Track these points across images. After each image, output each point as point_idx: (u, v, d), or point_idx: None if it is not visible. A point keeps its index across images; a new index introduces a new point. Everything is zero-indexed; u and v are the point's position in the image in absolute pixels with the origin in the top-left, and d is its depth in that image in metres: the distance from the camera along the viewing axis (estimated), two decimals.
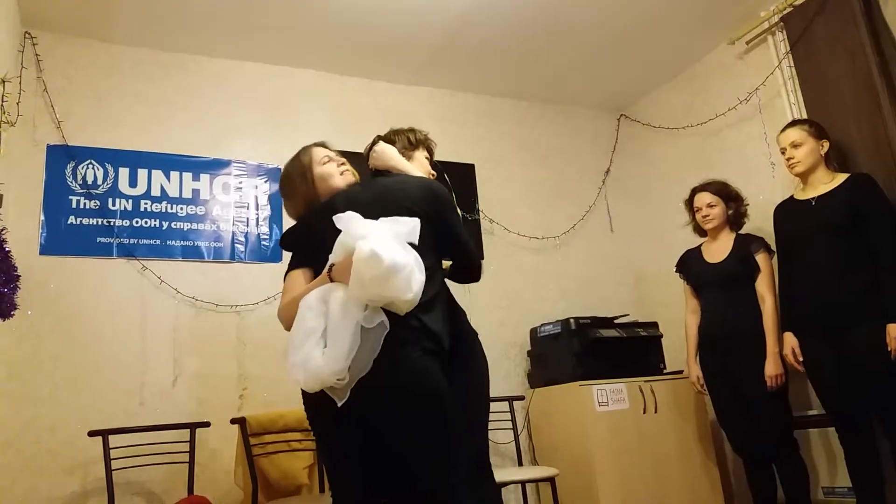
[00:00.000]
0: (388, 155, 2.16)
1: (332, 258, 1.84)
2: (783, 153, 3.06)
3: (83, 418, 3.02)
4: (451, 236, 2.01)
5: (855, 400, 2.78)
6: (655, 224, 4.47)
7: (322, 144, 2.18)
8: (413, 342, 1.75)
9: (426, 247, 1.85)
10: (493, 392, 3.58)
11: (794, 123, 3.09)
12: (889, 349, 2.62)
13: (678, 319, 3.60)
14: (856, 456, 2.81)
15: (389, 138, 2.29)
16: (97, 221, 3.31)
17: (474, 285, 4.00)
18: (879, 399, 2.70)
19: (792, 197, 3.10)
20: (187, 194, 3.53)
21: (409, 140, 2.30)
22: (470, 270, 2.15)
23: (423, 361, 1.75)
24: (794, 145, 2.99)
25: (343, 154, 2.26)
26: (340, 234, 1.82)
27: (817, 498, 3.14)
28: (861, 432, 2.79)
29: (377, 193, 2.00)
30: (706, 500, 3.43)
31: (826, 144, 2.99)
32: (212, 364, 3.32)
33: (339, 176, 2.09)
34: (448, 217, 2.00)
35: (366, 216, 1.84)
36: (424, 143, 2.34)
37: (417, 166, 2.26)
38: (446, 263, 2.16)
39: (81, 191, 3.31)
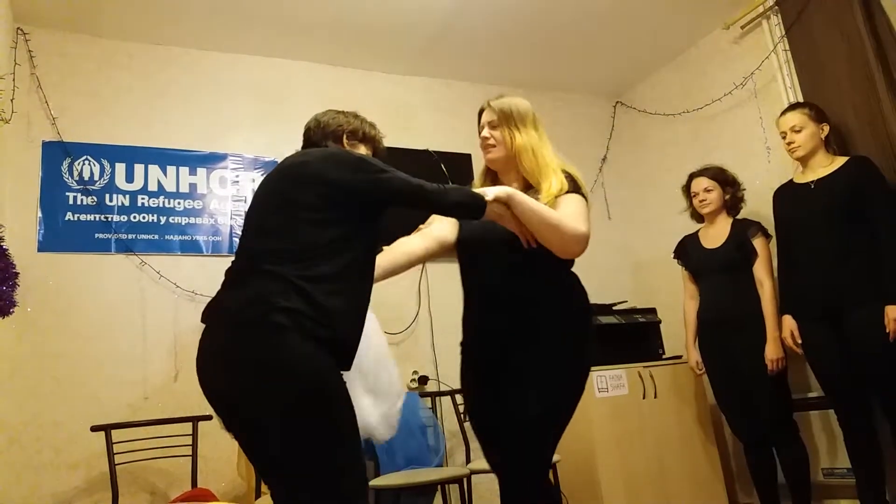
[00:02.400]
0: None
1: None
2: (783, 137, 3.05)
3: (85, 414, 3.03)
4: (369, 193, 1.78)
5: (854, 382, 2.79)
6: (653, 210, 4.47)
7: None
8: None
9: (328, 218, 1.72)
10: None
11: (793, 107, 3.08)
12: (888, 331, 2.63)
13: (676, 305, 3.61)
14: (855, 437, 2.82)
15: (346, 115, 2.15)
16: (95, 217, 3.31)
17: None
18: (878, 381, 2.71)
19: (791, 180, 3.10)
20: (184, 189, 3.53)
21: (363, 131, 2.13)
22: (438, 211, 1.92)
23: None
24: (795, 129, 2.98)
25: None
26: None
27: (817, 479, 3.16)
28: (860, 414, 2.81)
29: (282, 167, 1.93)
30: (707, 483, 3.45)
31: (826, 128, 2.98)
32: None
33: None
34: (352, 177, 1.77)
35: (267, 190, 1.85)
36: (374, 143, 2.14)
37: None
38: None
39: (78, 187, 3.31)
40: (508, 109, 2.11)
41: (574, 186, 2.03)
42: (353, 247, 1.75)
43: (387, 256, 2.07)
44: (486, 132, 2.12)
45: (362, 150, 2.10)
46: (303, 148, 2.10)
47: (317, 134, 2.12)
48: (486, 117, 2.15)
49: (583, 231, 1.89)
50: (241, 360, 1.59)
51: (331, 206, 1.74)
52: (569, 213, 1.91)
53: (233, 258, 1.81)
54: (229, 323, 1.65)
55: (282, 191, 1.82)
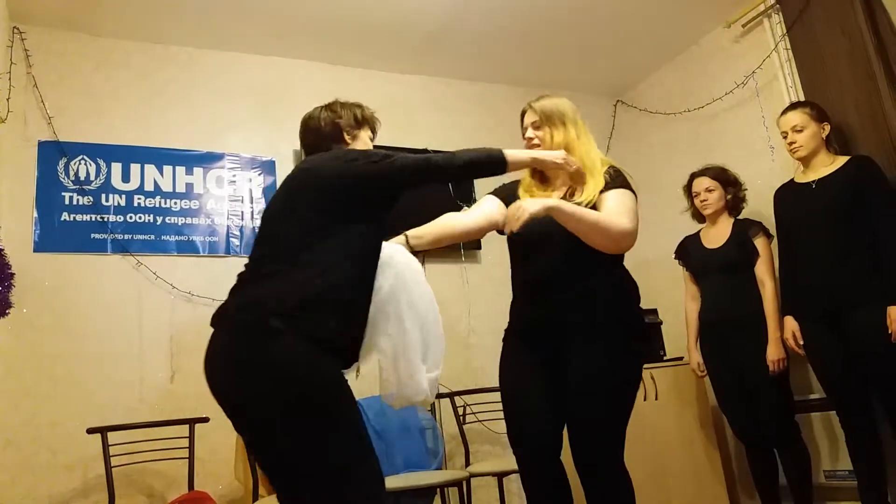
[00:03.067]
0: None
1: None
2: (784, 137, 3.03)
3: (82, 415, 3.01)
4: (379, 180, 1.79)
5: (855, 383, 2.78)
6: (653, 210, 4.44)
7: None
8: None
9: (330, 217, 1.74)
10: (494, 382, 3.59)
11: (794, 106, 3.06)
12: (889, 331, 2.61)
13: (678, 306, 3.59)
14: (856, 439, 2.80)
15: (334, 110, 2.11)
16: (91, 217, 3.29)
17: (474, 278, 4.02)
18: (880, 382, 2.70)
19: (792, 180, 3.08)
20: (181, 188, 3.51)
21: (355, 117, 2.11)
22: (452, 175, 1.99)
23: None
24: (796, 129, 2.96)
25: None
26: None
27: (819, 482, 3.14)
28: (862, 415, 2.79)
29: (288, 178, 1.93)
30: (708, 485, 3.43)
31: (827, 127, 2.96)
32: None
33: None
34: (350, 166, 1.80)
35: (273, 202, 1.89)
36: (370, 122, 2.16)
37: (360, 146, 2.11)
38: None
39: (74, 187, 3.28)
40: (550, 109, 2.16)
41: (620, 181, 2.07)
42: (356, 245, 1.76)
43: (438, 225, 2.10)
44: (529, 132, 2.16)
45: (364, 135, 2.11)
46: (305, 156, 2.07)
47: (316, 140, 2.08)
48: (528, 118, 2.20)
49: (626, 226, 1.95)
50: (240, 363, 1.63)
51: (335, 205, 1.75)
52: (612, 211, 1.96)
53: (231, 259, 1.84)
54: (229, 327, 1.69)
55: (286, 198, 1.85)
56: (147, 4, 3.32)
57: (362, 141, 2.12)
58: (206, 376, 1.73)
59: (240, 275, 1.80)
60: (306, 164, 1.91)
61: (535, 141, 2.14)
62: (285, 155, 3.79)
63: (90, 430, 2.77)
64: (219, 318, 1.74)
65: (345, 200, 1.76)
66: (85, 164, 3.33)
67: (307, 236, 1.71)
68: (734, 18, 3.80)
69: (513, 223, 1.84)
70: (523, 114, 2.23)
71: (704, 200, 3.32)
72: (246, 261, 1.83)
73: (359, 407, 1.71)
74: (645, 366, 3.46)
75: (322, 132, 2.06)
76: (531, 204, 1.87)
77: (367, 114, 2.16)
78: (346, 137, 2.07)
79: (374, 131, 2.18)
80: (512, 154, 1.94)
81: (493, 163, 1.90)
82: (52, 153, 3.28)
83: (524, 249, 2.11)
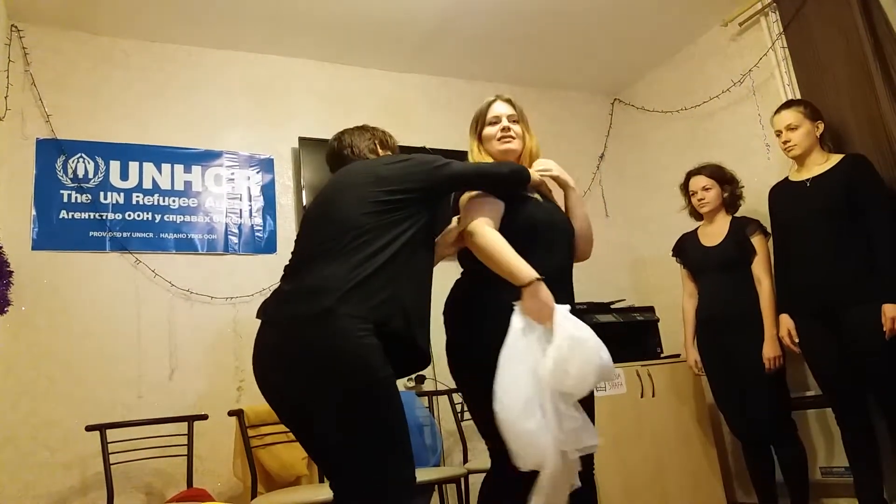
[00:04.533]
0: None
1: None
2: (778, 136, 3.04)
3: (80, 413, 3.01)
4: (432, 183, 1.90)
5: (851, 380, 2.79)
6: (651, 208, 4.46)
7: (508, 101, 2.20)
8: None
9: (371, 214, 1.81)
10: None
11: (788, 105, 3.07)
12: (884, 329, 2.62)
13: (675, 304, 3.60)
14: (852, 436, 2.82)
15: (363, 139, 2.17)
16: (89, 215, 3.29)
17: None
18: (875, 379, 2.71)
19: (787, 178, 3.09)
20: (179, 186, 3.51)
21: (382, 141, 2.19)
22: (505, 188, 2.01)
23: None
24: (790, 128, 2.97)
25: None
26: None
27: (815, 478, 3.15)
28: (857, 412, 2.80)
29: (333, 182, 2.01)
30: (705, 482, 3.45)
31: (821, 126, 2.97)
32: (208, 357, 3.31)
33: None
34: (409, 169, 1.90)
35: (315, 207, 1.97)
36: (394, 149, 2.22)
37: None
38: None
39: (72, 185, 3.28)
40: (521, 109, 2.22)
41: None
42: (413, 239, 1.83)
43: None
44: (506, 123, 2.16)
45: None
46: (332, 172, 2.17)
47: (350, 158, 2.13)
48: (504, 109, 2.18)
49: None
50: (292, 353, 1.69)
51: (388, 204, 1.83)
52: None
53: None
54: (288, 317, 1.74)
55: (332, 200, 1.91)
56: (145, 3, 3.32)
57: None
58: (254, 368, 1.81)
59: (289, 265, 1.89)
60: (358, 165, 2.00)
61: (512, 133, 2.15)
62: (283, 153, 3.80)
63: (89, 428, 2.77)
64: (271, 309, 1.81)
65: (403, 201, 1.85)
66: (83, 161, 3.33)
67: (365, 234, 1.77)
68: (731, 17, 3.81)
69: (543, 170, 2.11)
70: (492, 102, 2.20)
71: (702, 199, 3.33)
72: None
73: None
74: (642, 363, 3.52)
75: (359, 150, 2.12)
76: (561, 171, 2.15)
77: (393, 142, 2.24)
78: (381, 154, 2.16)
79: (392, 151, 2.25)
80: (530, 172, 2.09)
81: (523, 179, 2.05)
82: (51, 151, 3.28)
83: (547, 241, 2.06)
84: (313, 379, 1.66)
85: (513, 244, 1.86)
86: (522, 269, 1.79)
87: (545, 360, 1.73)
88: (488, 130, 2.17)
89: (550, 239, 2.07)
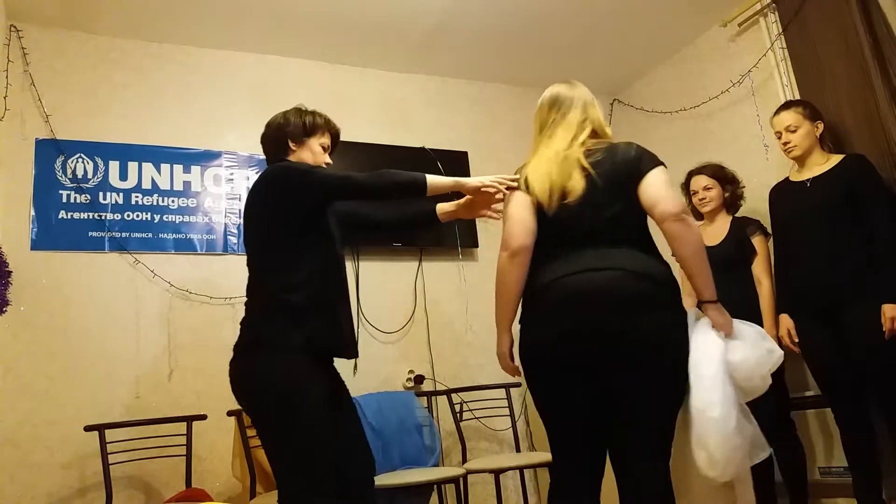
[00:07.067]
0: None
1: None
2: (778, 137, 3.04)
3: (79, 413, 3.01)
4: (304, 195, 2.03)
5: (851, 380, 2.79)
6: None
7: None
8: None
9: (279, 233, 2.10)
10: (491, 379, 3.61)
11: (787, 105, 3.07)
12: (884, 329, 2.62)
13: None
14: (852, 436, 2.81)
15: (286, 117, 2.19)
16: (88, 215, 3.29)
17: (471, 275, 4.03)
18: (875, 379, 2.71)
19: (787, 179, 3.09)
20: (178, 187, 3.51)
21: (304, 124, 2.17)
22: (374, 198, 2.16)
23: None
24: (790, 129, 2.97)
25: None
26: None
27: (814, 478, 3.15)
28: (857, 412, 2.80)
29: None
30: (704, 481, 3.44)
31: (821, 126, 2.97)
32: (207, 357, 3.31)
33: None
34: (283, 192, 2.03)
35: None
36: (322, 129, 2.19)
37: (307, 157, 2.15)
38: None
39: (71, 185, 3.28)
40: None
41: None
42: (310, 254, 2.04)
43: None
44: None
45: (314, 142, 2.18)
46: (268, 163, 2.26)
47: (270, 150, 2.21)
48: None
49: None
50: (236, 377, 2.04)
51: (276, 224, 2.04)
52: None
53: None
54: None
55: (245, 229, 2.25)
56: (144, 3, 3.32)
57: (309, 149, 2.17)
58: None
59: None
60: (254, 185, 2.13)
61: None
62: None
63: (87, 428, 2.77)
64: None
65: (286, 218, 2.04)
66: (82, 162, 3.33)
67: (268, 255, 2.12)
68: (730, 17, 3.81)
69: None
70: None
71: (703, 198, 3.32)
72: (245, 259, 2.14)
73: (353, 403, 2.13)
74: None
75: (267, 136, 2.19)
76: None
77: (320, 122, 2.19)
78: (291, 145, 2.15)
79: (332, 137, 2.23)
80: (433, 180, 2.04)
81: (416, 187, 2.04)
82: (50, 151, 3.28)
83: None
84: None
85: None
86: (712, 283, 1.96)
87: (740, 364, 1.93)
88: None
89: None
